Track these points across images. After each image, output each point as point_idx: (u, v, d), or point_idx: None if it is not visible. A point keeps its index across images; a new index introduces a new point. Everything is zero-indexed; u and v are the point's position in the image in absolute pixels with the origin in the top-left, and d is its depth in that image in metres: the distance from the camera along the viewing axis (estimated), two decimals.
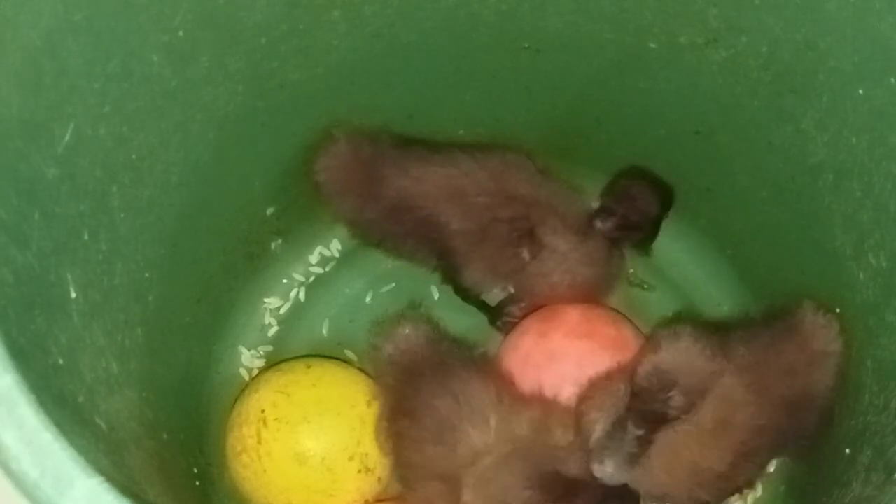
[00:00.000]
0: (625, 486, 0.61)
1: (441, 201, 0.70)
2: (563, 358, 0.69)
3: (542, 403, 0.64)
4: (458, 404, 0.62)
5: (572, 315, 0.71)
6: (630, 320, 0.73)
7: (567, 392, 0.66)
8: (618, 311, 0.73)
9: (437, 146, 0.72)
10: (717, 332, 0.65)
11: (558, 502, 0.59)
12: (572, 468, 0.60)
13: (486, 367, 0.67)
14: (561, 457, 0.60)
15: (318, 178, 0.72)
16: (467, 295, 0.74)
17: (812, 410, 0.64)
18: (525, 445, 0.61)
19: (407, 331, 0.68)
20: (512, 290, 0.74)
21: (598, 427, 0.61)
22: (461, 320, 0.74)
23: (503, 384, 0.65)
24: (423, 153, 0.71)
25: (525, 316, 0.73)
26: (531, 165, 0.72)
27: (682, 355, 0.59)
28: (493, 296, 0.75)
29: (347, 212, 0.72)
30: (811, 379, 0.64)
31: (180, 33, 0.56)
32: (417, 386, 0.65)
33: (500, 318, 0.75)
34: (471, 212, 0.69)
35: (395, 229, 0.71)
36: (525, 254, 0.70)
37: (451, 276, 0.73)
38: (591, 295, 0.73)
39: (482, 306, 0.75)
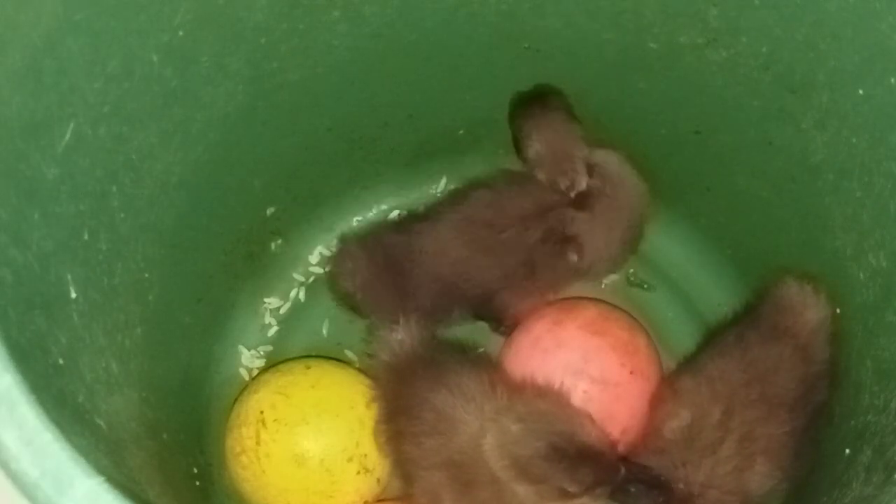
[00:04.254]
0: (655, 474, 0.62)
1: (471, 260, 0.70)
2: (571, 348, 0.69)
3: (535, 392, 0.64)
4: (452, 395, 0.63)
5: (590, 310, 0.71)
6: (645, 329, 0.73)
7: (566, 382, 0.66)
8: (635, 318, 0.73)
9: (429, 211, 0.72)
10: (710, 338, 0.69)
11: (575, 465, 0.59)
12: (589, 436, 0.60)
13: (480, 361, 0.68)
14: (579, 423, 0.61)
15: (356, 299, 0.71)
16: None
17: (818, 378, 0.66)
18: (542, 410, 0.62)
19: (400, 335, 0.68)
20: None
21: None
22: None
23: (496, 375, 0.66)
24: (426, 225, 0.71)
25: (525, 316, 0.73)
26: (515, 173, 0.73)
27: None
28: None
29: (390, 314, 0.71)
30: (808, 350, 0.65)
31: (180, 33, 0.56)
32: (412, 384, 0.65)
33: (503, 322, 0.75)
34: (505, 251, 0.70)
35: (441, 306, 0.71)
36: (572, 255, 0.71)
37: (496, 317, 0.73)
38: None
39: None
